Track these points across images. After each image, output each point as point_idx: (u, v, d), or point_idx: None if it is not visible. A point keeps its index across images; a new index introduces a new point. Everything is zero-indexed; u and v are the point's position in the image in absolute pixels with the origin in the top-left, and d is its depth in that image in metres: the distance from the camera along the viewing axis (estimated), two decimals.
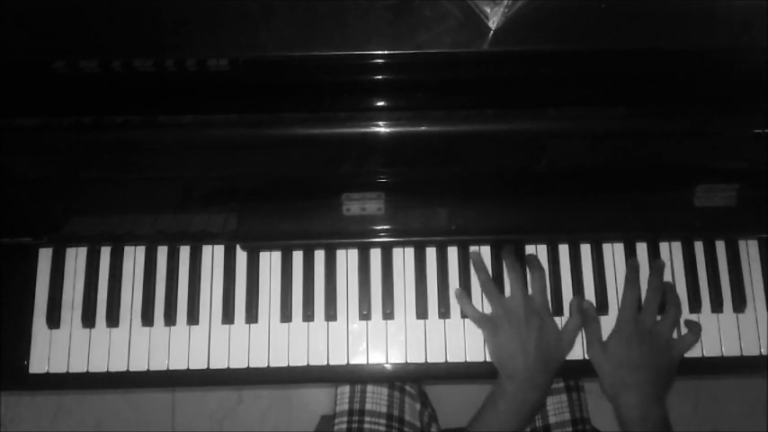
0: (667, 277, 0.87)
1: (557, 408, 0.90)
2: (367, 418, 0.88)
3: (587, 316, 0.83)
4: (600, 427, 0.93)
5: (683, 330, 0.84)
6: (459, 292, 0.85)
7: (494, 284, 0.83)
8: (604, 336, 0.82)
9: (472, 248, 0.86)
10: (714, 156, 0.79)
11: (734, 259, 0.87)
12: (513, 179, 0.82)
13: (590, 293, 0.86)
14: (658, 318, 0.82)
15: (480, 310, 0.84)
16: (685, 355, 0.83)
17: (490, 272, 0.86)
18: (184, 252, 0.87)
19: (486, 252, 0.87)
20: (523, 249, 0.87)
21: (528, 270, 0.84)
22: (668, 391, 0.80)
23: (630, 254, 0.87)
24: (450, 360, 0.84)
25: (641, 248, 0.87)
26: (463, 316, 0.85)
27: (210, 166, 0.79)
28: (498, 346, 0.80)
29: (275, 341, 0.84)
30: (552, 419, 0.89)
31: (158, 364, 0.84)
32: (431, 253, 0.87)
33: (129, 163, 0.77)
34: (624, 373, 0.78)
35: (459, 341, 0.84)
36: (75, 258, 0.86)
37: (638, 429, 0.76)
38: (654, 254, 0.87)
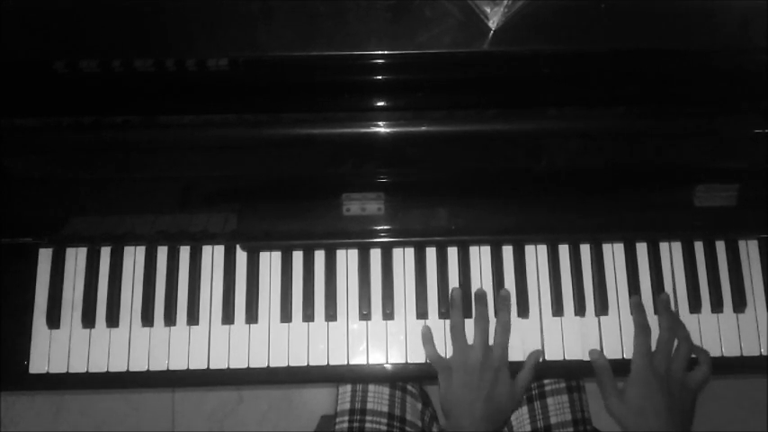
0: (667, 277, 0.87)
1: (558, 408, 0.90)
2: (368, 418, 0.88)
3: (598, 366, 0.82)
4: (600, 427, 0.93)
5: None
6: (425, 330, 0.84)
7: (462, 331, 0.82)
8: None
9: (454, 286, 0.85)
10: (714, 156, 0.79)
11: (734, 259, 0.87)
12: (513, 179, 0.82)
13: (590, 293, 0.86)
14: None
15: (442, 355, 0.83)
16: None
17: (490, 277, 0.86)
18: (184, 252, 0.87)
19: (486, 252, 0.87)
20: (523, 250, 0.87)
21: (497, 316, 0.83)
22: (690, 428, 0.79)
23: (631, 254, 0.87)
24: None
25: (641, 248, 0.87)
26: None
27: (210, 166, 0.79)
28: (449, 392, 0.79)
29: (275, 341, 0.84)
30: (553, 419, 0.89)
31: (158, 365, 0.84)
32: (431, 253, 0.87)
33: (129, 163, 0.77)
34: (649, 420, 0.76)
35: None
36: (76, 258, 0.86)
37: None
38: (654, 254, 0.87)
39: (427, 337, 0.84)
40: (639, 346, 0.81)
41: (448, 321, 0.85)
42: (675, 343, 0.82)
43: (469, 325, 0.83)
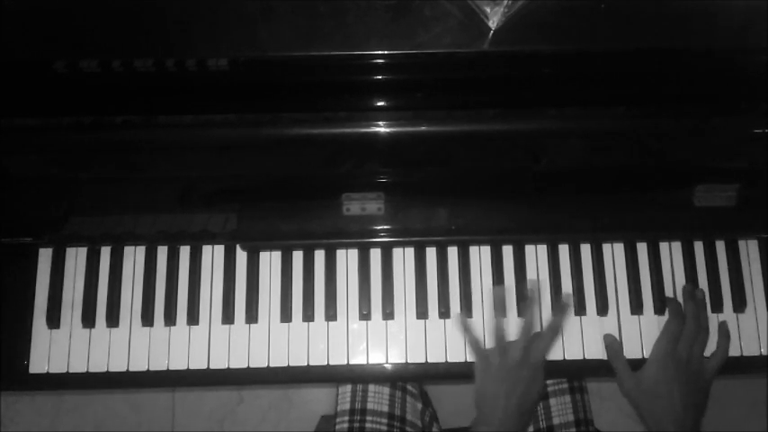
0: (667, 277, 0.87)
1: (560, 409, 0.90)
2: (368, 418, 0.88)
3: (612, 350, 0.82)
4: (601, 428, 0.93)
5: None
6: (462, 317, 0.83)
7: (503, 330, 0.81)
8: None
9: (496, 287, 0.85)
10: (714, 156, 0.79)
11: (734, 259, 0.87)
12: (513, 179, 0.82)
13: (590, 293, 0.86)
14: None
15: (481, 340, 0.83)
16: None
17: (490, 277, 0.86)
18: (184, 252, 0.87)
19: (486, 252, 0.87)
20: (523, 250, 0.87)
21: (552, 317, 0.83)
22: (703, 417, 0.80)
23: (631, 254, 0.87)
24: (450, 360, 0.84)
25: (641, 248, 0.87)
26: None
27: (210, 166, 0.79)
28: (485, 383, 0.79)
29: (275, 341, 0.84)
30: (556, 420, 0.89)
31: (158, 365, 0.84)
32: (431, 253, 0.87)
33: (128, 163, 0.77)
34: (663, 403, 0.77)
35: (460, 341, 0.84)
36: (76, 258, 0.86)
37: None
38: (654, 254, 0.87)
39: (466, 322, 0.83)
40: (669, 332, 0.80)
41: (448, 321, 0.85)
42: None
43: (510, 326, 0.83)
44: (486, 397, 0.78)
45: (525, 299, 0.84)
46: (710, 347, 0.83)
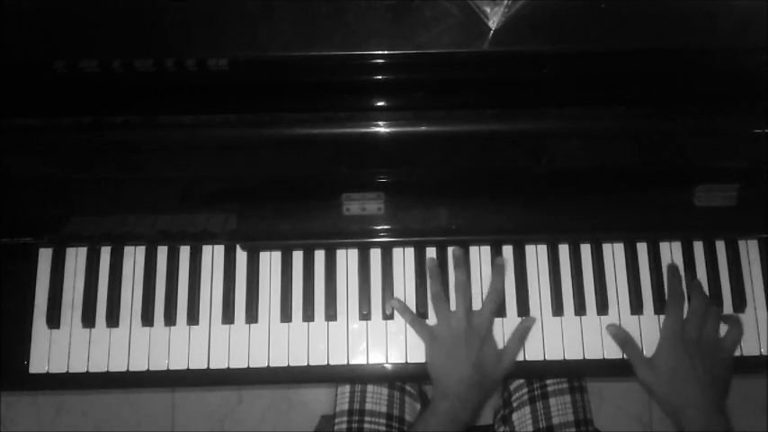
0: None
1: (560, 409, 0.89)
2: (367, 418, 0.88)
3: (620, 339, 0.82)
4: (601, 428, 0.93)
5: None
6: (398, 303, 0.84)
7: (444, 300, 0.82)
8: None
9: (429, 256, 0.86)
10: (714, 155, 0.79)
11: (734, 259, 0.87)
12: (513, 179, 0.82)
13: (590, 293, 0.86)
14: None
15: (423, 320, 0.83)
16: None
17: (490, 276, 0.85)
18: (184, 252, 0.87)
19: (486, 252, 0.87)
20: (523, 250, 0.87)
21: (491, 280, 0.83)
22: (727, 396, 0.78)
23: (631, 254, 0.87)
24: None
25: (641, 248, 0.87)
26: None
27: (211, 166, 0.79)
28: (434, 359, 0.80)
29: (275, 341, 0.84)
30: (556, 420, 0.89)
31: (158, 364, 0.84)
32: (431, 253, 0.87)
33: (129, 163, 0.77)
34: (681, 388, 0.76)
35: None
36: (76, 258, 0.86)
37: None
38: (654, 254, 0.87)
39: (403, 306, 0.83)
40: (672, 313, 0.80)
41: None
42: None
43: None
44: (438, 371, 0.79)
45: (521, 297, 0.84)
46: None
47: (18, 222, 0.82)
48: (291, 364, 0.84)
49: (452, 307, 0.81)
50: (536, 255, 0.87)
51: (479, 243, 0.87)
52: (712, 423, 0.74)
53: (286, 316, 0.85)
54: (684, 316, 0.81)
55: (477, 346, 0.78)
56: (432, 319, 0.85)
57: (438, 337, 0.80)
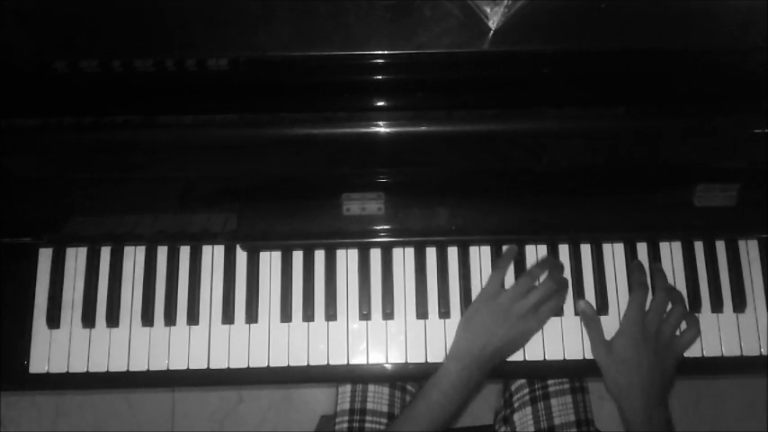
0: (668, 277, 0.86)
1: (561, 409, 0.89)
2: (368, 418, 0.88)
3: (587, 316, 0.83)
4: (602, 428, 0.93)
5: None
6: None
7: (502, 275, 0.83)
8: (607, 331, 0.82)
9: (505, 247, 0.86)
10: (714, 156, 0.79)
11: (734, 259, 0.87)
12: (513, 179, 0.81)
13: (590, 293, 0.86)
14: None
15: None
16: (685, 355, 0.83)
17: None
18: (184, 252, 0.86)
19: (486, 252, 0.87)
20: (524, 250, 0.87)
21: (548, 274, 0.84)
22: (670, 392, 0.80)
23: (631, 254, 0.87)
24: None
25: (641, 248, 0.87)
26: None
27: (210, 166, 0.79)
28: (478, 311, 0.80)
29: (275, 341, 0.84)
30: (557, 420, 0.89)
31: (158, 364, 0.84)
32: (431, 253, 0.87)
33: (129, 163, 0.77)
34: (630, 374, 0.78)
35: None
36: (76, 258, 0.86)
37: (642, 430, 0.76)
38: (654, 254, 0.87)
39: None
40: (635, 302, 0.81)
41: (448, 321, 0.85)
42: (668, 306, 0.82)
43: None
44: (470, 326, 0.80)
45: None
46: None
47: (18, 222, 0.82)
48: (291, 364, 0.84)
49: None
50: (536, 255, 0.87)
51: (479, 243, 0.87)
52: (654, 413, 0.76)
53: (286, 316, 0.85)
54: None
55: (524, 332, 0.81)
56: (431, 320, 0.85)
57: (499, 302, 0.80)
